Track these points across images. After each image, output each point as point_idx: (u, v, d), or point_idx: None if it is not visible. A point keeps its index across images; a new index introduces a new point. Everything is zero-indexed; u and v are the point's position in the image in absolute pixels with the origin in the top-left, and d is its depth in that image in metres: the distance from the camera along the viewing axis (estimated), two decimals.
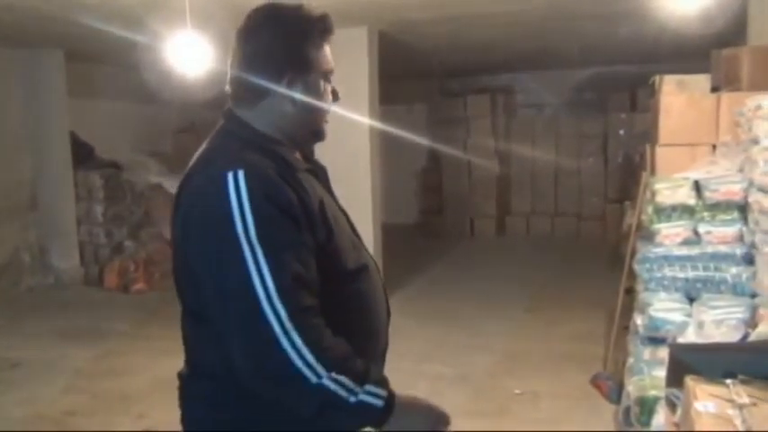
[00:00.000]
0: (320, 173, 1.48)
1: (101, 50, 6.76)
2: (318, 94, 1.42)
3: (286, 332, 1.19)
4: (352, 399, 1.22)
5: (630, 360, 3.09)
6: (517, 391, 3.93)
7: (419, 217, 10.34)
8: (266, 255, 1.21)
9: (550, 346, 4.75)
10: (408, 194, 10.32)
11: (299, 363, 1.19)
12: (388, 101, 6.73)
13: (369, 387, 1.25)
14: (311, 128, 1.45)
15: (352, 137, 5.79)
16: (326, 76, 1.43)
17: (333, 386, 1.21)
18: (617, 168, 8.72)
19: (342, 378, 1.22)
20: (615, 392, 3.61)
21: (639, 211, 3.81)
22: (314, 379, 1.19)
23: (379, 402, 1.25)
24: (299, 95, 1.38)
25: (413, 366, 3.97)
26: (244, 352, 1.22)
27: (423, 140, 9.35)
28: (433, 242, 9.14)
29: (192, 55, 3.87)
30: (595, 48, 7.45)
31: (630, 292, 3.94)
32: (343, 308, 1.37)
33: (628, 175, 7.59)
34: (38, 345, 5.09)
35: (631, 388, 2.78)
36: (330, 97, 1.45)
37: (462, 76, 9.90)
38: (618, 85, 8.91)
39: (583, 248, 8.41)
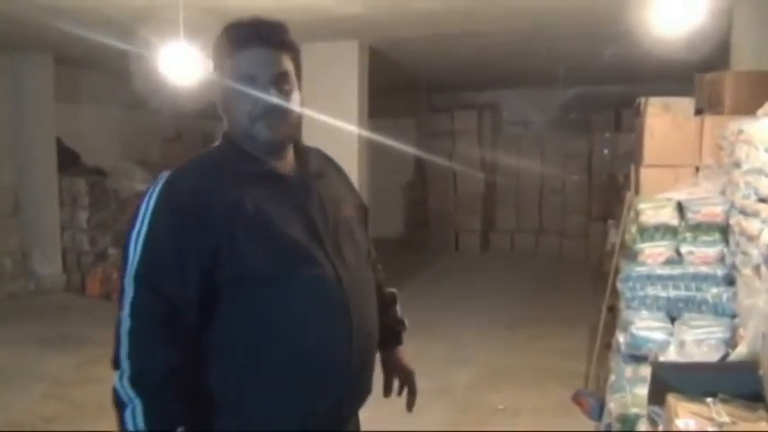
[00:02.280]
0: (301, 178, 1.48)
1: (91, 56, 6.74)
2: (233, 99, 1.42)
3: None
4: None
5: (612, 377, 3.11)
6: (500, 407, 3.95)
7: (404, 231, 10.37)
8: (144, 241, 1.34)
9: (532, 362, 4.78)
10: (394, 208, 10.34)
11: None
12: (375, 114, 6.77)
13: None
14: (243, 133, 1.44)
15: (340, 150, 5.76)
16: (245, 79, 1.40)
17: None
18: (600, 187, 8.81)
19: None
20: (597, 410, 3.63)
21: (623, 231, 3.86)
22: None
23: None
24: (220, 102, 1.46)
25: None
26: None
27: (410, 150, 9.38)
28: (417, 256, 9.16)
29: (183, 65, 3.89)
30: (580, 68, 7.56)
31: (613, 309, 3.98)
32: (248, 312, 1.37)
33: (611, 194, 7.67)
34: (16, 351, 5.03)
35: (613, 405, 2.81)
36: (256, 99, 1.40)
37: (449, 92, 9.98)
38: (602, 105, 9.04)
39: (566, 266, 8.48)
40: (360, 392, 1.51)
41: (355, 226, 1.57)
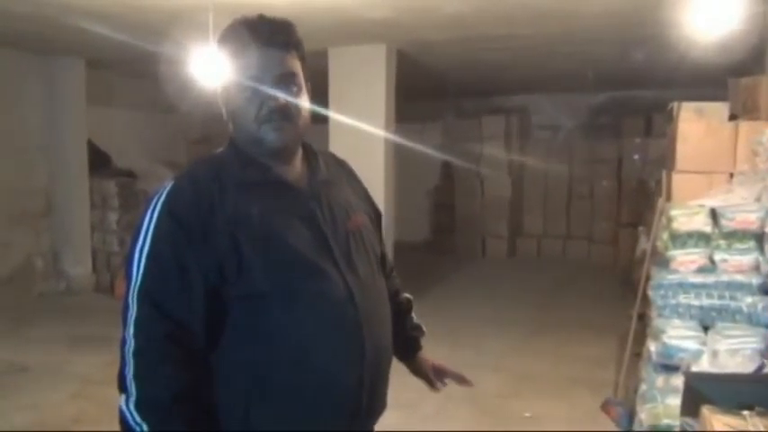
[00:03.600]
0: (309, 186, 1.42)
1: (121, 60, 6.84)
2: (238, 103, 1.37)
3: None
4: None
5: (643, 387, 3.06)
6: (527, 415, 3.90)
7: (430, 235, 10.34)
8: (146, 256, 1.29)
9: (560, 369, 4.72)
10: (420, 213, 10.33)
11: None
12: (402, 119, 6.75)
13: None
14: (249, 138, 1.38)
15: (366, 154, 5.81)
16: (249, 81, 1.36)
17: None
18: (630, 193, 8.67)
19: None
20: (626, 419, 3.57)
21: (654, 237, 3.79)
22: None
23: None
24: (225, 105, 1.41)
25: (419, 384, 4.13)
26: None
27: (437, 155, 9.36)
28: (443, 261, 9.12)
29: (213, 69, 3.91)
30: (611, 71, 7.47)
31: (643, 317, 3.91)
32: (253, 330, 1.31)
33: (641, 200, 7.55)
34: (46, 350, 5.10)
35: (644, 416, 2.76)
36: (261, 102, 1.35)
37: (477, 97, 9.93)
38: (633, 110, 8.91)
39: (594, 272, 8.37)
40: (372, 410, 1.45)
41: (367, 235, 1.50)
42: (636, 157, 8.84)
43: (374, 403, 1.43)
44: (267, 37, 1.35)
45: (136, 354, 1.25)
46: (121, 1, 4.46)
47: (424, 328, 1.77)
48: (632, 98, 9.00)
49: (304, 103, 1.40)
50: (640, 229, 5.88)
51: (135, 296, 1.28)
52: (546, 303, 6.74)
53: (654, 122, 8.47)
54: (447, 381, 1.73)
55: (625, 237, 8.23)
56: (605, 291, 7.09)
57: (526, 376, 4.58)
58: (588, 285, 7.65)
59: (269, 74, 1.35)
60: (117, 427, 1.29)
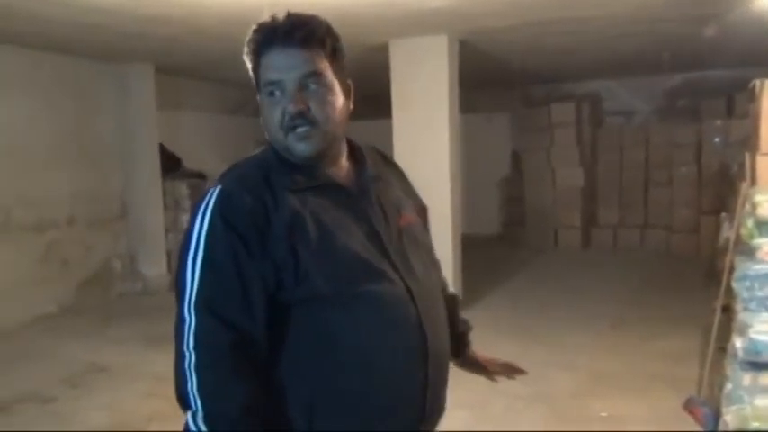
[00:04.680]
0: (358, 185, 1.37)
1: (188, 64, 6.97)
2: (265, 111, 1.32)
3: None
4: None
5: (728, 386, 2.85)
6: (603, 414, 3.72)
7: (501, 228, 10.16)
8: (201, 264, 1.23)
9: (639, 366, 4.50)
10: (490, 205, 10.16)
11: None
12: (468, 110, 6.62)
13: None
14: (281, 147, 1.32)
15: (431, 147, 5.72)
16: (270, 87, 1.30)
17: None
18: (712, 178, 8.24)
19: None
20: (711, 420, 3.36)
21: (738, 225, 3.55)
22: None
23: None
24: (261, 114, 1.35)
25: (488, 383, 4.03)
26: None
27: (505, 145, 9.16)
28: (514, 254, 8.91)
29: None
30: (685, 52, 7.09)
31: (727, 310, 3.68)
32: (314, 335, 1.27)
33: (724, 186, 7.17)
34: (123, 350, 5.25)
35: (729, 418, 2.57)
36: (284, 108, 1.29)
37: (546, 84, 9.65)
38: (713, 91, 8.44)
39: (674, 262, 8.01)
40: (434, 413, 1.40)
41: (419, 232, 1.46)
42: (717, 140, 8.38)
43: (435, 406, 1.39)
44: (285, 36, 1.27)
45: (199, 368, 1.20)
46: (180, 5, 4.52)
47: (471, 324, 1.72)
48: (711, 78, 8.54)
49: (332, 102, 1.31)
50: (723, 215, 5.57)
51: (192, 307, 1.22)
52: (623, 296, 6.48)
53: (736, 103, 8.02)
54: (498, 372, 1.69)
55: (707, 225, 7.86)
56: (686, 282, 6.76)
57: (602, 374, 4.39)
58: (668, 277, 7.32)
59: (289, 77, 1.27)
60: None
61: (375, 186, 1.39)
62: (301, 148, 1.29)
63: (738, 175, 4.66)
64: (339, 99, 1.33)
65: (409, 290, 1.31)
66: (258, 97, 1.35)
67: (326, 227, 1.27)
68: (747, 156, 3.64)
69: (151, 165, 7.32)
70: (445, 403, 1.43)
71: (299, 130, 1.28)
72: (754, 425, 2.41)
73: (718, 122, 8.33)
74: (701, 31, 5.74)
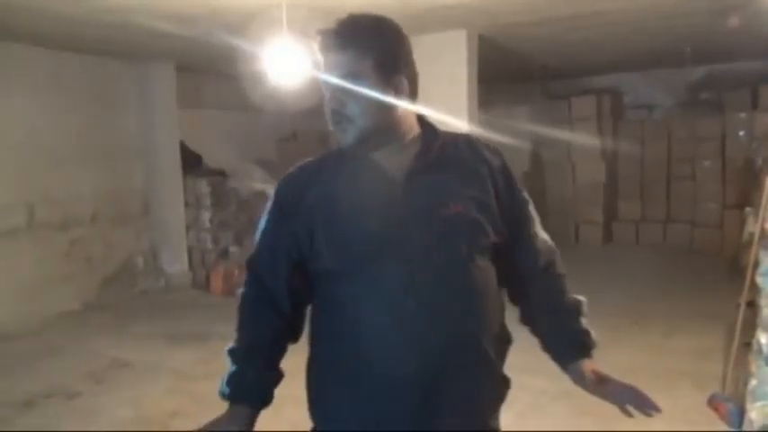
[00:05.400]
0: (406, 171, 1.45)
1: (208, 61, 6.99)
2: (324, 104, 1.49)
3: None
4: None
5: (753, 382, 2.82)
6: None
7: None
8: (258, 233, 1.58)
9: (663, 362, 4.45)
10: None
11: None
12: (487, 104, 6.58)
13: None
14: (334, 136, 1.51)
15: None
16: (323, 86, 1.48)
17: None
18: (736, 172, 8.12)
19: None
20: (736, 416, 3.32)
21: (763, 219, 3.50)
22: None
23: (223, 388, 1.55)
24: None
25: (514, 378, 3.97)
26: None
27: (525, 140, 9.07)
28: None
29: (288, 65, 3.91)
30: (708, 44, 6.97)
31: (752, 305, 3.63)
32: (325, 306, 1.50)
33: (749, 180, 7.06)
34: (146, 346, 5.30)
35: (755, 414, 2.54)
36: (330, 104, 1.47)
37: (565, 78, 9.58)
38: (737, 83, 8.29)
39: (698, 257, 7.91)
40: (438, 410, 1.39)
41: (465, 222, 1.43)
42: (741, 133, 8.23)
43: (440, 402, 1.38)
44: (327, 41, 1.44)
45: (238, 310, 1.57)
46: (199, 3, 4.54)
47: (594, 336, 1.60)
48: (734, 70, 8.40)
49: (370, 98, 1.41)
50: (747, 210, 5.50)
51: (245, 265, 1.58)
52: (646, 291, 6.41)
53: (760, 95, 7.90)
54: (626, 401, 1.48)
55: (731, 219, 7.74)
56: (710, 277, 6.68)
57: (626, 369, 4.27)
58: (692, 272, 7.23)
59: (330, 76, 1.44)
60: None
61: (425, 173, 1.44)
62: (341, 138, 1.47)
63: (763, 168, 4.60)
64: (379, 95, 1.42)
65: (413, 279, 1.36)
66: None
67: (343, 206, 1.43)
68: None
69: (172, 162, 7.37)
70: (464, 405, 1.43)
71: (338, 125, 1.45)
72: None
73: (743, 115, 8.19)
74: (723, 23, 5.65)
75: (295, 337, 1.57)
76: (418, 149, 1.47)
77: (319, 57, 1.46)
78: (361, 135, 1.43)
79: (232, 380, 1.51)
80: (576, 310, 1.60)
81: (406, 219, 1.39)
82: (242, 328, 1.54)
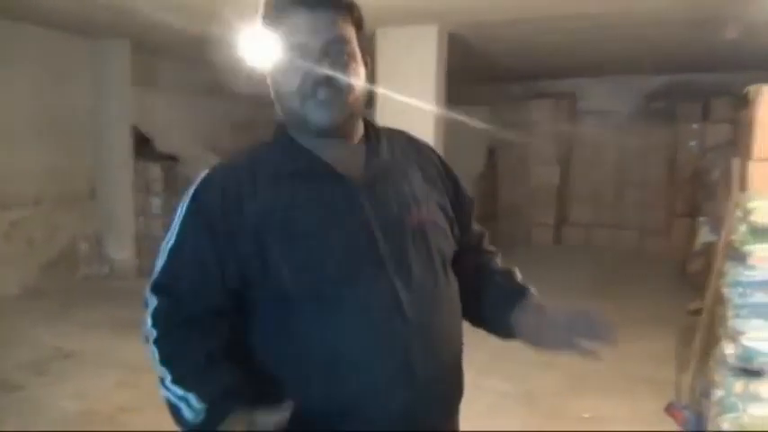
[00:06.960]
0: (364, 174, 1.24)
1: (166, 43, 6.74)
2: (281, 77, 1.22)
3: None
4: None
5: (719, 393, 2.84)
6: (586, 415, 3.71)
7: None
8: (169, 249, 1.23)
9: (620, 366, 4.47)
10: None
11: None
12: (448, 104, 6.54)
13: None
14: (294, 118, 1.24)
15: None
16: (292, 50, 1.19)
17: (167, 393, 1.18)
18: (686, 182, 8.33)
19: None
20: (693, 423, 3.36)
21: (729, 230, 3.55)
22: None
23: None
24: (270, 81, 1.27)
25: (472, 380, 3.90)
26: None
27: (483, 140, 9.09)
28: None
29: (261, 50, 3.77)
30: (668, 55, 7.11)
31: (698, 313, 3.73)
32: (279, 340, 1.19)
33: (698, 190, 7.24)
34: (91, 335, 5.07)
35: (727, 426, 2.55)
36: (305, 72, 1.18)
37: (526, 81, 9.64)
38: (690, 95, 8.50)
39: (646, 263, 8.07)
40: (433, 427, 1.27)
41: (434, 232, 1.28)
42: (692, 143, 8.45)
43: (429, 426, 1.24)
44: (285, 4, 1.20)
45: (157, 340, 1.20)
46: None
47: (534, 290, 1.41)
48: (689, 82, 8.60)
49: (357, 73, 1.22)
50: (701, 219, 5.62)
51: (150, 291, 1.23)
52: (598, 296, 6.49)
53: (712, 107, 8.10)
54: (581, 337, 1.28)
55: (680, 227, 7.92)
56: (659, 283, 6.81)
57: (582, 374, 4.37)
58: (640, 277, 7.37)
59: (315, 39, 1.18)
60: (163, 414, 1.19)
61: (384, 177, 1.26)
62: (319, 114, 1.19)
63: (723, 180, 4.68)
64: (362, 71, 1.24)
65: (398, 299, 1.17)
66: (271, 67, 1.25)
67: (304, 220, 1.17)
68: (735, 161, 3.64)
69: (123, 145, 7.07)
70: (444, 423, 1.33)
71: (321, 96, 1.18)
72: None
73: (695, 126, 8.40)
74: (699, 34, 5.72)
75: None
76: (365, 150, 1.28)
77: (285, 14, 1.20)
78: (344, 113, 1.21)
79: (209, 396, 1.14)
80: (510, 271, 1.48)
81: (374, 230, 1.19)
82: (183, 348, 1.18)
